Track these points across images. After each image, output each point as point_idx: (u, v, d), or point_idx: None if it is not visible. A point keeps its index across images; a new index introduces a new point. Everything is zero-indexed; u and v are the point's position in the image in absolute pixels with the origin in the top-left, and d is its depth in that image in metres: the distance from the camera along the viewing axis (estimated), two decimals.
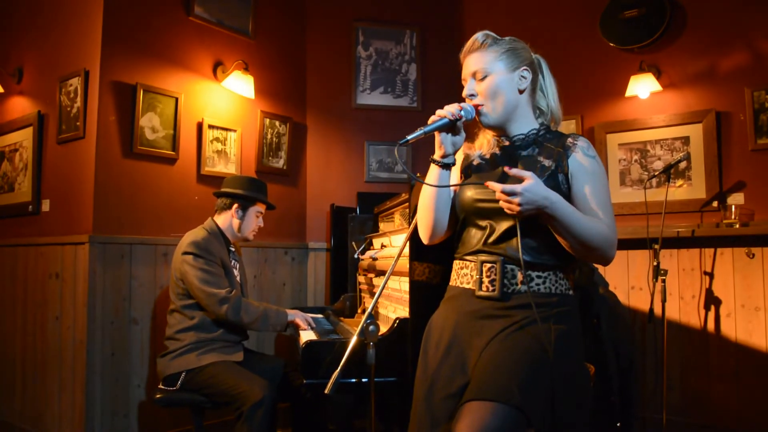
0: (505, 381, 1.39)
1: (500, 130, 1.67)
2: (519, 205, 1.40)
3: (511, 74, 1.62)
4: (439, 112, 1.56)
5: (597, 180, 1.56)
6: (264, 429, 2.40)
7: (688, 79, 3.39)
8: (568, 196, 1.55)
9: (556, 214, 1.43)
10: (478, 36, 1.65)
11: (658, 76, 3.43)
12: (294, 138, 4.04)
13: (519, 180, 1.42)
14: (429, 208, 1.66)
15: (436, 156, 1.63)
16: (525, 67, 1.63)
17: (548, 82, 1.71)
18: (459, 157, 1.77)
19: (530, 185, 1.40)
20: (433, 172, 1.63)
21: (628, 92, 3.46)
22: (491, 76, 1.61)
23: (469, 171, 1.72)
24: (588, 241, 1.46)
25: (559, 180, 1.56)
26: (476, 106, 1.61)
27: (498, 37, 1.66)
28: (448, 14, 4.39)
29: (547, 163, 1.59)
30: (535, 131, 1.66)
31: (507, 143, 1.67)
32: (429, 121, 1.55)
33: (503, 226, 1.56)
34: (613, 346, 2.83)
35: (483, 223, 1.60)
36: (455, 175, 1.75)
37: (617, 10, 3.56)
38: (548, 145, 1.62)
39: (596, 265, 3.16)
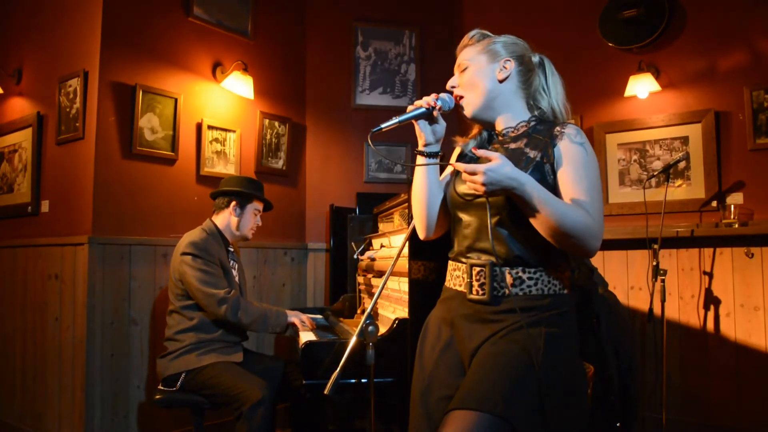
0: (489, 390, 1.36)
1: (485, 122, 1.66)
2: (483, 185, 1.36)
3: (491, 65, 1.61)
4: (416, 102, 1.58)
5: (582, 166, 1.48)
6: (263, 429, 2.40)
7: (687, 78, 3.40)
8: (554, 186, 1.50)
9: (525, 196, 1.37)
10: (471, 32, 1.67)
11: (657, 76, 3.44)
12: (293, 138, 4.04)
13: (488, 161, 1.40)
14: (420, 200, 1.66)
15: (419, 146, 1.63)
16: (508, 59, 1.61)
17: (551, 82, 1.66)
18: (455, 153, 1.77)
19: (494, 165, 1.36)
20: (419, 162, 1.64)
21: (627, 92, 3.47)
22: (470, 67, 1.62)
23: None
24: (562, 226, 1.38)
25: (545, 171, 1.50)
26: (457, 98, 1.63)
27: (489, 34, 1.66)
28: (447, 15, 4.39)
29: (532, 154, 1.53)
30: (524, 122, 1.62)
31: (499, 138, 1.65)
32: (407, 110, 1.57)
33: (491, 221, 1.50)
34: (612, 346, 2.82)
35: (471, 219, 1.58)
36: (448, 169, 1.74)
37: (616, 10, 3.56)
38: (537, 136, 1.57)
39: (595, 265, 3.16)
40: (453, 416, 1.36)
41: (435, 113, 1.58)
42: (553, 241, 1.43)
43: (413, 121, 1.58)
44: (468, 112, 1.64)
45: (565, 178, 1.49)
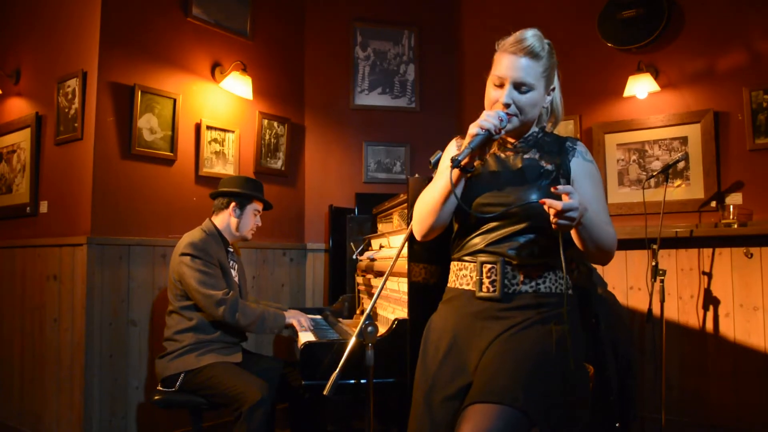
0: (509, 383, 1.39)
1: (509, 133, 1.65)
2: (574, 219, 1.35)
3: (546, 95, 1.62)
4: (482, 123, 1.48)
5: (597, 184, 1.60)
6: (263, 430, 2.40)
7: (686, 79, 3.40)
8: None
9: (586, 222, 1.43)
10: (534, 43, 1.55)
11: (656, 76, 3.44)
12: (292, 139, 4.04)
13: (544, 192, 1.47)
14: (435, 209, 1.61)
15: (463, 162, 1.50)
16: (554, 86, 1.65)
17: (555, 82, 1.69)
18: (450, 152, 1.73)
19: (579, 199, 1.36)
20: (453, 175, 1.53)
21: (626, 92, 3.47)
22: (533, 92, 1.56)
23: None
24: (604, 245, 1.49)
25: (559, 183, 1.56)
26: (509, 116, 1.55)
27: (545, 44, 1.59)
28: (446, 14, 4.39)
29: (549, 167, 1.59)
30: (534, 134, 1.67)
31: (508, 146, 1.67)
32: (470, 132, 1.48)
33: (505, 228, 1.57)
34: (611, 346, 2.82)
35: (486, 226, 1.60)
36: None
37: (615, 10, 3.56)
38: (547, 148, 1.64)
39: (594, 266, 3.16)
40: (473, 410, 1.38)
41: (494, 137, 1.51)
42: (588, 256, 1.52)
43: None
44: (510, 128, 1.58)
45: (586, 195, 1.54)
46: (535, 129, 1.67)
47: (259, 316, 2.67)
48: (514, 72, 1.54)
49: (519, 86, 1.55)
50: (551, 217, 1.36)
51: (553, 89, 1.65)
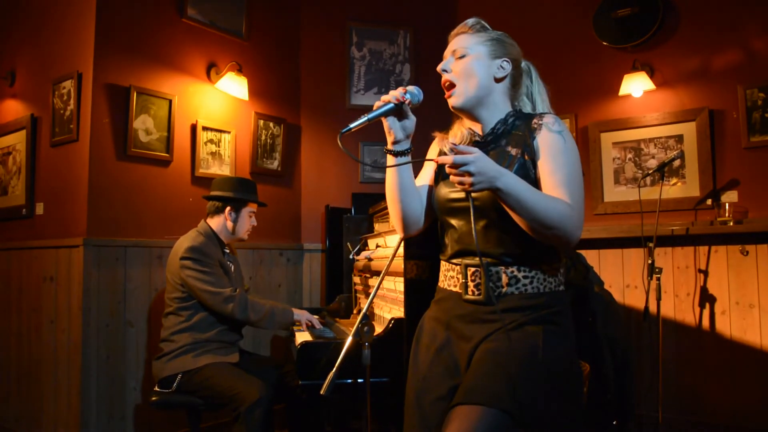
0: (493, 384, 1.37)
1: (470, 116, 1.62)
2: (471, 175, 1.32)
3: (491, 61, 1.57)
4: (383, 97, 1.50)
5: (560, 155, 1.46)
6: (261, 430, 2.40)
7: (681, 77, 3.41)
8: (537, 180, 1.48)
9: (508, 189, 1.35)
10: (469, 20, 1.62)
11: (652, 74, 3.44)
12: (288, 139, 4.03)
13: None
14: (394, 199, 1.60)
15: (389, 144, 1.55)
16: (506, 59, 1.58)
17: (536, 90, 1.65)
18: (434, 152, 1.73)
19: (480, 156, 1.33)
20: (390, 162, 1.57)
21: (622, 91, 3.47)
22: (470, 56, 1.56)
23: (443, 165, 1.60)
24: (543, 218, 1.36)
25: (527, 166, 1.49)
26: (444, 83, 1.59)
27: (488, 27, 1.62)
28: (441, 14, 4.39)
29: (513, 152, 1.51)
30: (502, 120, 1.59)
31: (480, 137, 1.61)
32: (374, 107, 1.49)
33: (479, 224, 1.51)
34: (608, 344, 2.83)
35: (461, 222, 1.56)
36: (430, 169, 1.72)
37: (610, 8, 3.57)
38: (516, 132, 1.55)
39: (590, 264, 3.16)
40: (458, 411, 1.36)
41: (404, 108, 1.51)
42: (533, 234, 1.41)
43: (382, 118, 1.50)
44: (457, 101, 1.58)
45: (544, 168, 1.47)
46: (506, 113, 1.60)
47: (268, 311, 2.69)
48: (450, 47, 1.61)
49: (455, 54, 1.59)
50: (451, 178, 1.36)
51: (506, 61, 1.57)
